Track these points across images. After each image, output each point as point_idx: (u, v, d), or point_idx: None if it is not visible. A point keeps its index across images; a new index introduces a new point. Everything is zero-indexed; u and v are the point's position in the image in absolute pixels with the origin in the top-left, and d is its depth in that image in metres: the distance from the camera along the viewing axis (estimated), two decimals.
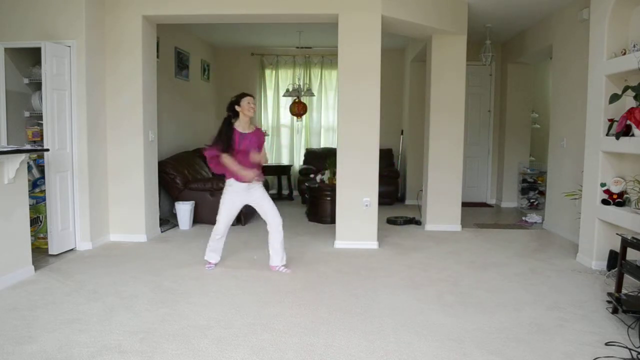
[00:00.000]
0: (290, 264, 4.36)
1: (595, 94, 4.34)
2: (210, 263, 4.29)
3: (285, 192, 8.87)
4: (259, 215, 4.24)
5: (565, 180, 5.60)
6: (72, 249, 4.77)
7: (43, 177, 4.61)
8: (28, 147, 4.54)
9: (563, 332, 2.96)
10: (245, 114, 4.08)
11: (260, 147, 4.17)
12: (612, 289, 3.57)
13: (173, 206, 6.12)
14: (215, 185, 6.12)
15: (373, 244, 5.09)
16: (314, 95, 8.74)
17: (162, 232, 5.65)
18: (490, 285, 3.88)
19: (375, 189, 5.10)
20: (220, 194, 4.13)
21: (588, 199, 4.45)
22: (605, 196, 4.19)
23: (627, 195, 4.08)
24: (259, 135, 4.19)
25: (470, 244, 5.29)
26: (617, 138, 3.88)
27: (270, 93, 9.03)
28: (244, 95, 4.12)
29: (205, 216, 6.12)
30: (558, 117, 5.90)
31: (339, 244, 5.11)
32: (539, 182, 7.54)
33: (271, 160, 9.06)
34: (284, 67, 9.00)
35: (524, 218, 6.65)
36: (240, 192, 4.11)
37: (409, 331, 2.96)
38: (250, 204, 4.23)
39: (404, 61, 8.66)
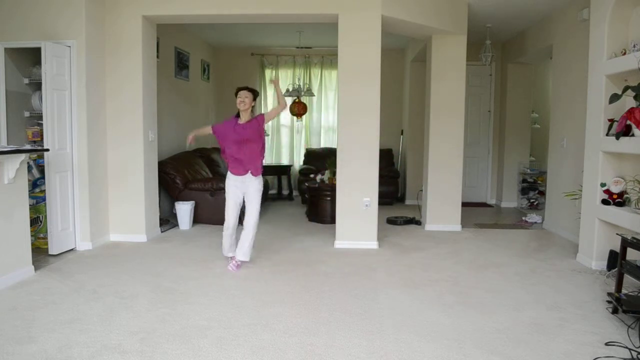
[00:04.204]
0: (290, 264, 4.37)
1: (595, 94, 4.33)
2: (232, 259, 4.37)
3: (285, 192, 8.88)
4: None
5: (565, 180, 5.60)
6: (72, 249, 4.77)
7: (43, 177, 4.61)
8: (28, 147, 4.53)
9: (563, 332, 2.96)
10: (238, 107, 4.23)
11: (258, 134, 4.22)
12: (612, 289, 3.57)
13: (173, 206, 6.12)
14: (215, 185, 6.12)
15: (373, 244, 5.09)
16: (314, 95, 8.73)
17: (162, 232, 5.65)
18: (490, 285, 3.88)
19: (375, 189, 5.10)
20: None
21: (588, 199, 4.45)
22: (605, 196, 4.19)
23: (627, 195, 4.08)
24: (252, 123, 4.22)
25: (470, 244, 5.29)
26: (617, 138, 3.88)
27: (270, 93, 9.03)
28: (238, 89, 4.27)
29: (205, 216, 6.12)
30: (558, 117, 5.89)
31: (339, 244, 5.11)
32: (539, 182, 7.54)
33: (271, 160, 9.07)
34: (284, 67, 8.99)
35: (524, 218, 6.65)
36: (236, 183, 4.24)
37: (409, 331, 2.96)
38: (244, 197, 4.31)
39: (404, 61, 8.66)
